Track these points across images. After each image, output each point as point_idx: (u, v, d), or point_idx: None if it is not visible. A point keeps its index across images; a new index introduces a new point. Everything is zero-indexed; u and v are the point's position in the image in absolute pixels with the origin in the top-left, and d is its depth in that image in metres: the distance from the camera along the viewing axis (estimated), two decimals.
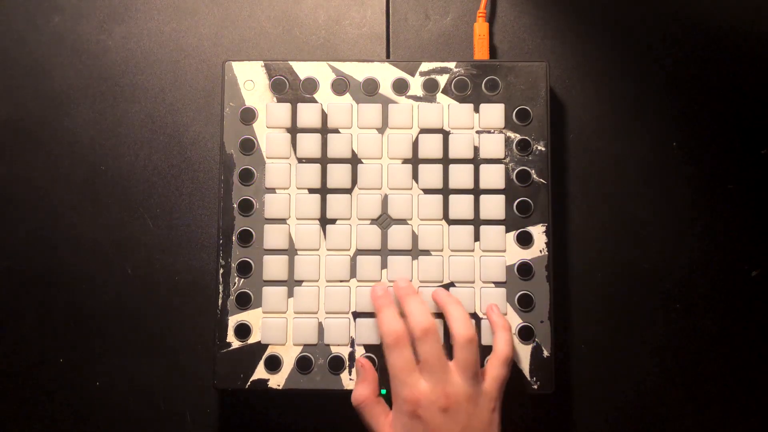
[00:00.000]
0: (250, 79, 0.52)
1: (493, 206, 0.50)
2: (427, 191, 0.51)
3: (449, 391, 0.44)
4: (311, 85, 0.52)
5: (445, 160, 0.51)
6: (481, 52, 0.53)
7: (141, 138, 0.54)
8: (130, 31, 0.55)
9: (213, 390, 0.52)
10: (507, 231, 0.50)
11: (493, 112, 0.51)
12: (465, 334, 0.46)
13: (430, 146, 0.51)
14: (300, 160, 0.51)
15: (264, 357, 0.49)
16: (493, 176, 0.51)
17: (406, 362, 0.45)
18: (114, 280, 0.53)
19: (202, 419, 0.52)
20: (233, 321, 0.50)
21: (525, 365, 0.49)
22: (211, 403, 0.52)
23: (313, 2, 0.55)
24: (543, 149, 0.51)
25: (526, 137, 0.51)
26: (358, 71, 0.52)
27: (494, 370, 0.47)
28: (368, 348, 0.50)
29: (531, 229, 0.50)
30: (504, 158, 0.51)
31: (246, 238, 0.50)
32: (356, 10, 0.55)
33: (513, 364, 0.49)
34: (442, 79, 0.51)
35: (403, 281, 0.49)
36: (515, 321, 0.49)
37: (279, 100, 0.51)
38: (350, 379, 0.49)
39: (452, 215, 0.50)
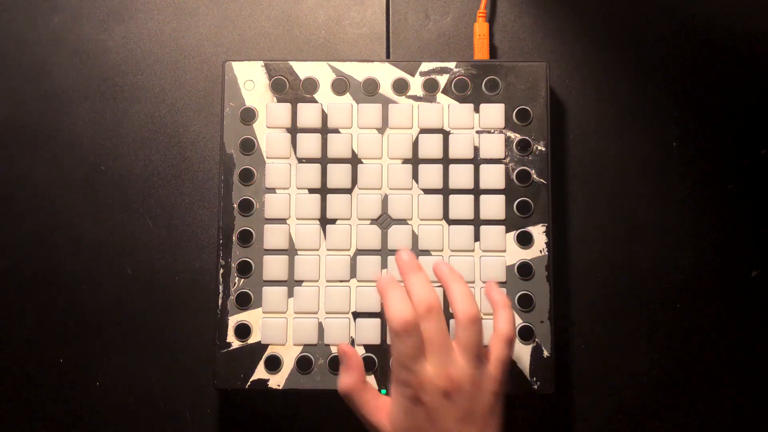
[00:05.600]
0: (250, 79, 0.52)
1: (493, 206, 0.50)
2: (427, 191, 0.51)
3: (452, 372, 0.42)
4: (311, 85, 0.52)
5: (445, 160, 0.51)
6: (481, 52, 0.53)
7: (141, 138, 0.54)
8: (130, 31, 0.55)
9: (213, 390, 0.52)
10: (507, 231, 0.50)
11: (493, 112, 0.51)
12: (468, 312, 0.43)
13: (430, 146, 0.51)
14: (300, 160, 0.51)
15: (264, 357, 0.49)
16: (493, 176, 0.51)
17: (414, 349, 0.42)
18: (114, 280, 0.53)
19: (202, 419, 0.52)
20: (233, 321, 0.50)
21: (525, 365, 0.49)
22: (211, 403, 0.52)
23: (313, 2, 0.55)
24: (543, 149, 0.51)
25: (526, 137, 0.51)
26: (358, 71, 0.52)
27: (497, 350, 0.44)
28: (368, 348, 0.50)
29: (531, 229, 0.50)
30: (504, 158, 0.51)
31: (246, 238, 0.50)
32: (356, 10, 0.55)
33: (513, 364, 0.49)
34: (442, 79, 0.51)
35: (406, 253, 0.46)
36: (515, 321, 0.49)
37: (279, 100, 0.51)
38: None
39: (452, 215, 0.50)
